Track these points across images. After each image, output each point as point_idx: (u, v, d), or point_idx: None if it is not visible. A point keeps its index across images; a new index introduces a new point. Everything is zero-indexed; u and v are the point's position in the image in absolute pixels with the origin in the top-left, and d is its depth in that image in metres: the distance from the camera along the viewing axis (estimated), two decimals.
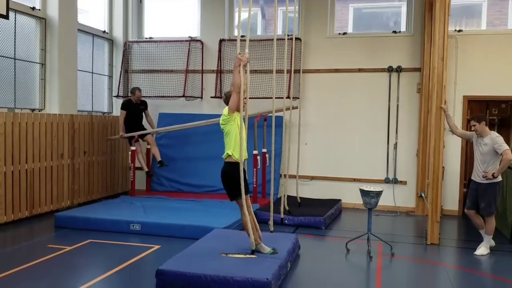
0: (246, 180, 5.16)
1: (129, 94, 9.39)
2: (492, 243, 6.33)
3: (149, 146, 9.42)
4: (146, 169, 9.37)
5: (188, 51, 9.87)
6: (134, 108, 9.16)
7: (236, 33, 9.97)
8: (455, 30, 8.71)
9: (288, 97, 7.91)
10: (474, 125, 6.27)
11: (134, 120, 9.15)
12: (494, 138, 6.17)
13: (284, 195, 7.63)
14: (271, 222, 6.58)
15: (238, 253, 5.06)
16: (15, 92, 7.67)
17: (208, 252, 5.13)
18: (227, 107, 5.08)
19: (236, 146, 5.04)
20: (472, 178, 6.44)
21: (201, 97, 9.93)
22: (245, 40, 5.16)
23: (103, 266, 5.39)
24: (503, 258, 6.16)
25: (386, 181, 9.03)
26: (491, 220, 6.22)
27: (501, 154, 6.06)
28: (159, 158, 9.17)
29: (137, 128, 9.16)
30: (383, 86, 9.07)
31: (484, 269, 5.75)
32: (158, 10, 10.58)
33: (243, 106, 5.05)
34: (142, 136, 9.24)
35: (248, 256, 5.00)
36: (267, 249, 5.13)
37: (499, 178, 6.22)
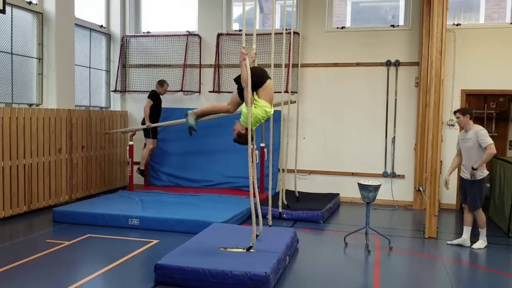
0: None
1: (156, 86, 9.21)
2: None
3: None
4: (142, 168, 9.33)
5: (186, 46, 9.84)
6: (158, 100, 9.15)
7: (234, 28, 9.99)
8: (453, 24, 8.70)
9: (286, 92, 7.91)
10: (458, 118, 6.31)
11: (156, 112, 9.14)
12: (478, 131, 6.14)
13: (283, 190, 7.64)
14: (269, 216, 6.58)
15: (237, 247, 5.07)
16: (12, 87, 7.64)
17: (206, 247, 5.14)
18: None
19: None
20: (461, 174, 6.45)
21: (199, 92, 9.91)
22: (248, 35, 5.09)
23: (101, 260, 5.39)
24: (501, 252, 6.19)
25: (384, 175, 9.05)
26: (478, 213, 6.20)
27: (485, 148, 6.03)
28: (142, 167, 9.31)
29: (156, 121, 9.15)
30: (381, 80, 9.06)
31: (481, 263, 5.78)
32: (156, 4, 10.53)
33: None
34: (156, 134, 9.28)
35: (246, 250, 5.00)
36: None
37: (485, 174, 6.18)
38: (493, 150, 6.04)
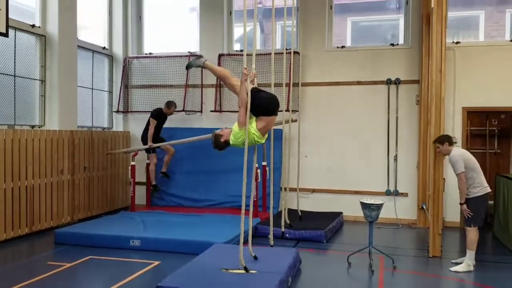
0: None
1: (163, 106, 9.22)
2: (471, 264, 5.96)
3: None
4: (154, 183, 9.37)
5: None
6: (162, 120, 9.23)
7: (235, 48, 10.07)
8: (453, 42, 8.75)
9: (287, 110, 7.93)
10: (438, 147, 6.22)
11: (157, 131, 9.19)
12: (451, 156, 6.00)
13: (285, 209, 7.61)
14: (271, 236, 6.52)
15: (239, 269, 5.02)
16: (15, 108, 7.69)
17: (208, 268, 5.10)
18: (236, 123, 4.98)
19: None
20: None
21: (201, 111, 9.96)
22: (249, 55, 5.14)
23: (103, 282, 5.35)
24: (506, 270, 6.11)
25: (387, 193, 9.00)
26: (468, 231, 5.97)
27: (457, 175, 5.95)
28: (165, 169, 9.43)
29: (157, 139, 9.19)
30: (382, 99, 9.09)
31: (487, 282, 5.68)
32: (158, 26, 10.66)
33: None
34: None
35: (246, 271, 4.95)
36: None
37: (480, 192, 5.96)
38: (461, 180, 5.87)
